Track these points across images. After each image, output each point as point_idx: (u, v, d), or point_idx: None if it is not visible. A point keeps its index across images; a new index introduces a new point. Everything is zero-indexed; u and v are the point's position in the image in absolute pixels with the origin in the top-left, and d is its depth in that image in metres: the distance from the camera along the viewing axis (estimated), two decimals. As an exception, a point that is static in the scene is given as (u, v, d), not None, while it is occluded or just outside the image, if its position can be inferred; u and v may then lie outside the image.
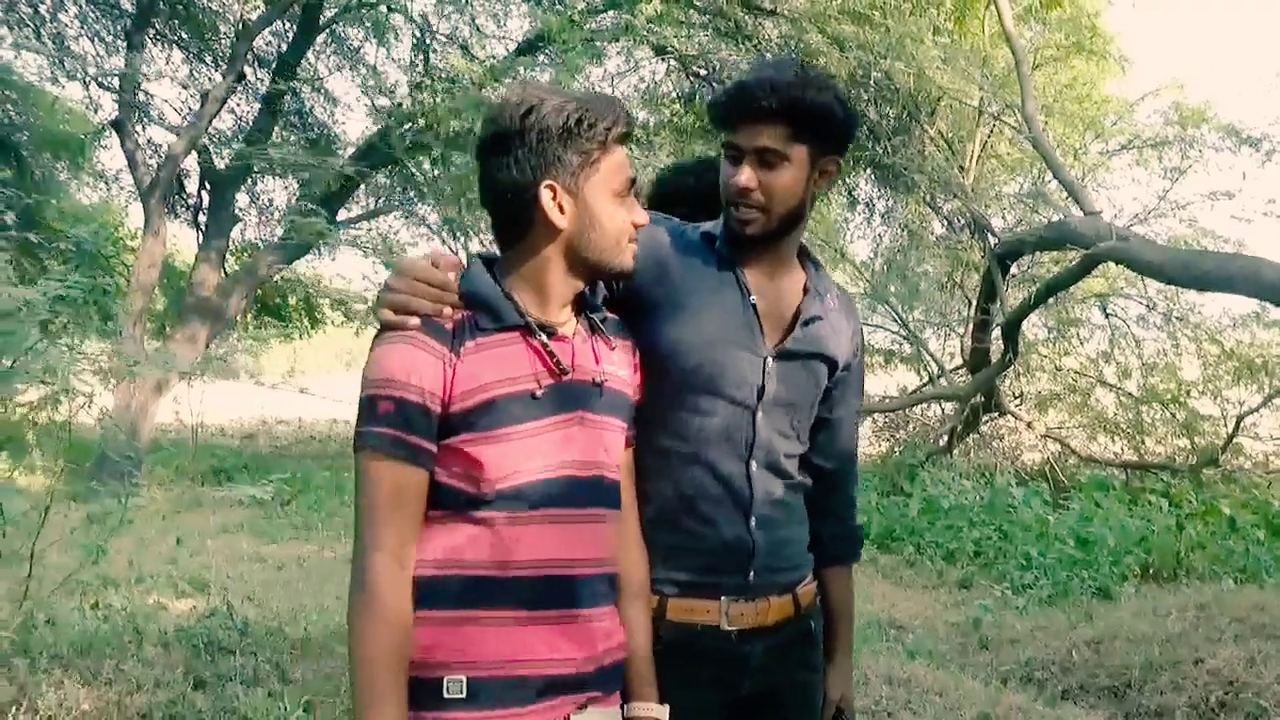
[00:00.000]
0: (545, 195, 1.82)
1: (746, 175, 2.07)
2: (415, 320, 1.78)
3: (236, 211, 15.68)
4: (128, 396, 11.74)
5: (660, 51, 13.18)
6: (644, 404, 2.08)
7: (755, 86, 2.04)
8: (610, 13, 12.78)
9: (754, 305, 2.13)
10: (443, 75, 13.43)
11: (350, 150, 14.85)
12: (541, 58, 12.93)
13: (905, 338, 13.58)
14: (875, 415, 13.47)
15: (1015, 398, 13.51)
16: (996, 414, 12.87)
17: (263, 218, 17.13)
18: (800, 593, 2.21)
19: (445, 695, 1.75)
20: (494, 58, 13.51)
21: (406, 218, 15.82)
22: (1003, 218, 13.68)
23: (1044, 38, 13.72)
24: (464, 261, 1.93)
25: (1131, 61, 14.14)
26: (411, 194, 15.87)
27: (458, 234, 14.33)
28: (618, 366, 1.99)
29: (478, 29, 14.08)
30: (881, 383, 14.48)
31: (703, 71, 14.24)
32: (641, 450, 2.09)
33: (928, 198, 13.43)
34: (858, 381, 2.34)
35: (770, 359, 2.13)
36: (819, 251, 13.54)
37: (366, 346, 1.85)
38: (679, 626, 2.08)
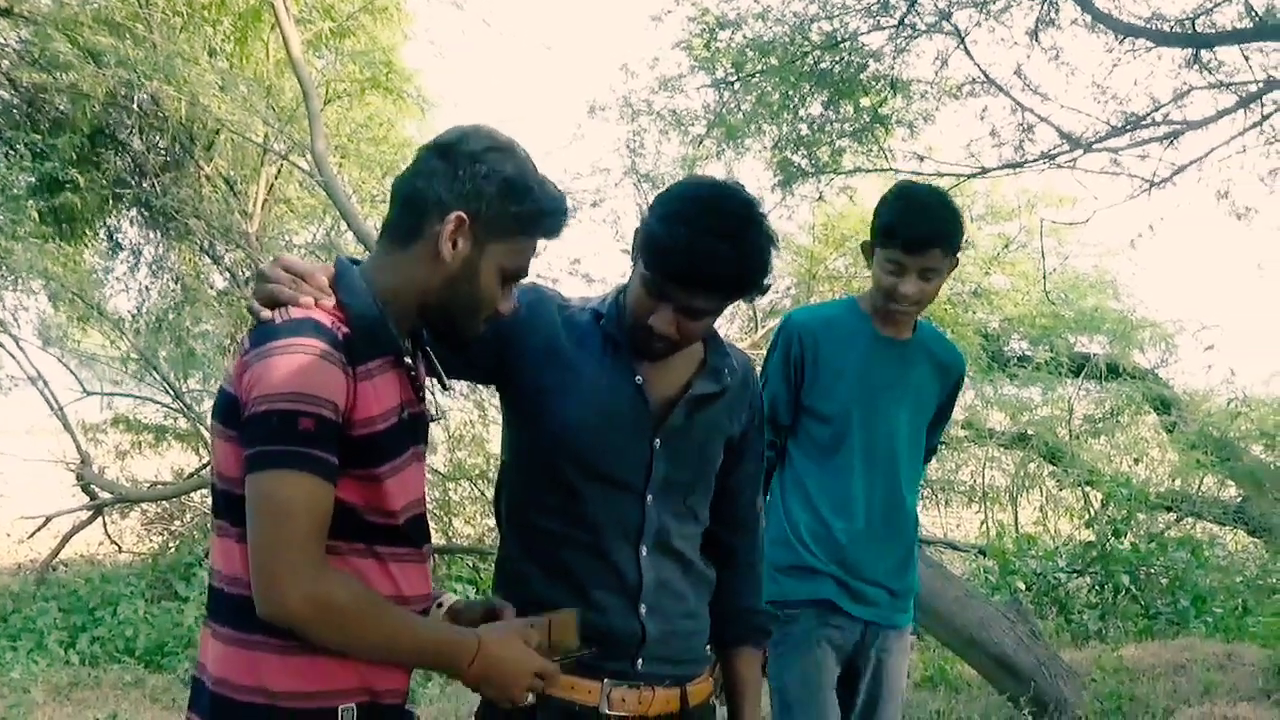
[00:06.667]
0: (450, 222, 1.76)
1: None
2: (298, 311, 1.71)
3: None
4: None
5: None
6: (512, 478, 2.18)
7: None
8: None
9: (639, 385, 2.11)
10: None
11: None
12: None
13: (180, 411, 11.55)
14: (143, 506, 11.40)
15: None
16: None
17: None
18: (690, 690, 2.15)
19: None
20: None
21: None
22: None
23: (337, 69, 12.46)
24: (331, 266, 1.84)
25: (434, 104, 13.27)
26: None
27: None
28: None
29: None
30: (151, 465, 12.27)
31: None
32: (507, 527, 2.18)
33: (205, 245, 11.64)
34: (756, 445, 2.32)
35: (658, 441, 2.10)
36: (69, 306, 11.30)
37: None
38: (557, 703, 2.01)
